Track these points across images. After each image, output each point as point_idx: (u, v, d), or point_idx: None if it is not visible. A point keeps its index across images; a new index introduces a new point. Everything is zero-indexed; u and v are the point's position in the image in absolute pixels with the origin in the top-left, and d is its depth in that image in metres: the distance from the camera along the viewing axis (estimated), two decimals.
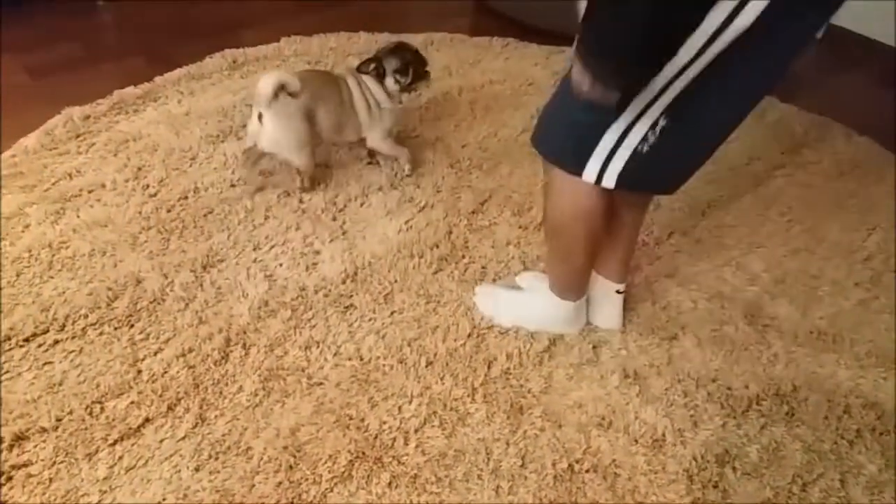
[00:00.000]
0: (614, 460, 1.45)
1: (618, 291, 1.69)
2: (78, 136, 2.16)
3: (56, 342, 1.55)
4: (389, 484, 1.37)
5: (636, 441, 1.49)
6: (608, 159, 1.34)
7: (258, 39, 2.72)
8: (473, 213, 2.03)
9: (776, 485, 1.43)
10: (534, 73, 2.72)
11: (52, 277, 1.70)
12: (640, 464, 1.45)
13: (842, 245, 2.01)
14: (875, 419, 1.56)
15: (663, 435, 1.50)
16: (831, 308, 1.82)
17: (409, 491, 1.36)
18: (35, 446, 1.35)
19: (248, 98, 2.37)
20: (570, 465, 1.44)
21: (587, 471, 1.43)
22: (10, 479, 1.30)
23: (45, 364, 1.50)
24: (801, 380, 1.64)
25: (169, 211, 1.93)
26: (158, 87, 2.42)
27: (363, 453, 1.41)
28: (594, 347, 1.67)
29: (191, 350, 1.57)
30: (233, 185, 2.02)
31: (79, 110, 2.23)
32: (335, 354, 1.60)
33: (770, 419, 1.55)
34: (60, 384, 1.47)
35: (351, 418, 1.47)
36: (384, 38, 2.65)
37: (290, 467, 1.38)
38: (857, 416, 1.57)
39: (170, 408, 1.45)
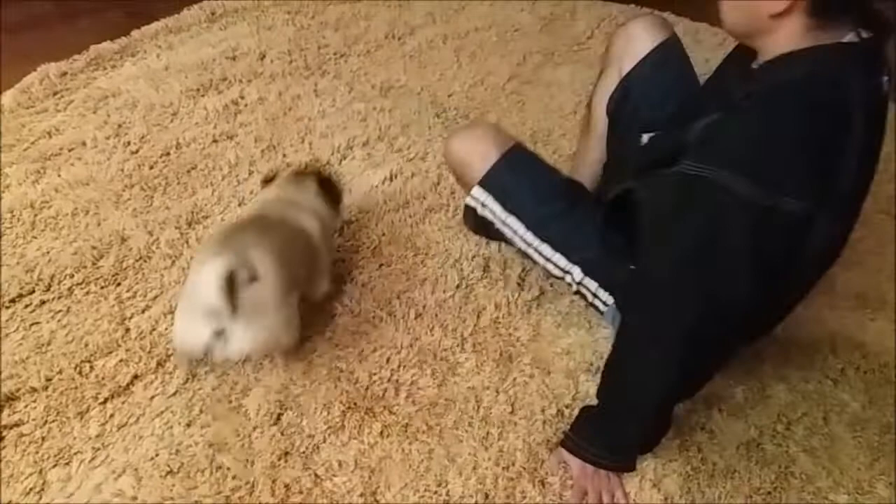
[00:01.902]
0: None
1: None
2: (55, 94, 2.11)
3: (42, 302, 1.55)
4: (381, 433, 1.39)
5: None
6: None
7: None
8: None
9: (761, 424, 1.45)
10: (520, 18, 2.67)
11: (35, 238, 1.68)
12: None
13: None
14: (860, 358, 1.58)
15: None
16: None
17: (400, 440, 1.38)
18: (26, 406, 1.36)
19: (227, 51, 2.33)
20: (559, 411, 1.45)
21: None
22: (2, 438, 1.31)
23: (32, 325, 1.50)
24: (788, 320, 1.64)
25: (151, 168, 1.91)
26: (136, 41, 2.36)
27: (355, 404, 1.43)
28: None
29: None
30: (215, 141, 1.99)
31: (55, 67, 2.18)
32: (323, 308, 1.60)
33: (756, 360, 1.56)
34: (48, 344, 1.47)
35: (341, 371, 1.48)
36: None
37: (283, 420, 1.39)
38: (843, 355, 1.59)
39: (159, 364, 1.45)
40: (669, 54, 1.56)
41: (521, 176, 1.54)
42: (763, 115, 1.11)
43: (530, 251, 1.54)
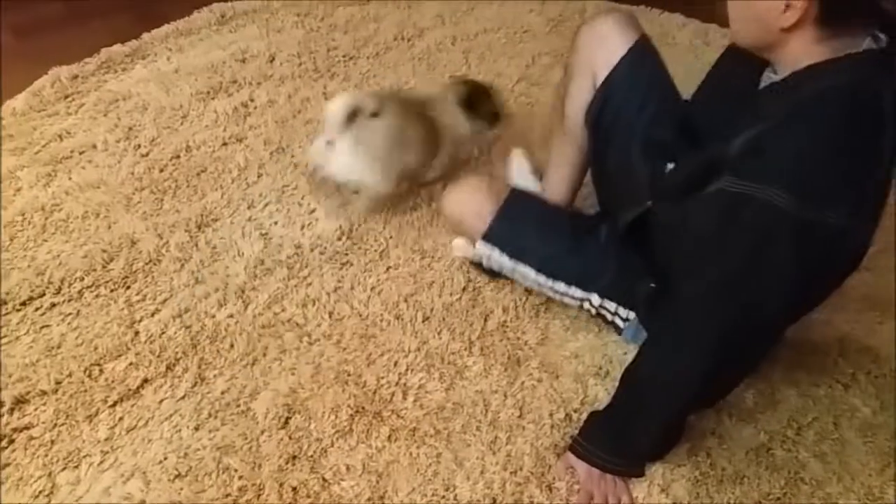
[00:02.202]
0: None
1: None
2: (66, 97, 2.12)
3: (53, 305, 1.55)
4: (389, 437, 1.39)
5: None
6: None
7: None
8: (469, 164, 2.01)
9: (771, 429, 1.45)
10: (529, 20, 2.67)
11: (46, 241, 1.69)
12: None
13: None
14: (870, 363, 1.57)
15: None
16: None
17: (408, 444, 1.38)
18: (35, 409, 1.37)
19: (237, 53, 2.34)
20: (567, 415, 1.45)
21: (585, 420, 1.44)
22: (11, 441, 1.32)
23: (42, 327, 1.51)
24: (798, 325, 1.63)
25: (162, 171, 1.91)
26: (146, 44, 2.37)
27: (363, 408, 1.43)
28: None
29: (187, 310, 1.57)
30: (224, 144, 2.00)
31: (66, 70, 2.19)
32: (332, 312, 1.60)
33: (766, 364, 1.55)
34: (59, 347, 1.48)
35: (349, 374, 1.48)
36: None
37: (291, 423, 1.39)
38: (853, 359, 1.58)
39: (168, 368, 1.46)
40: (644, 55, 1.52)
41: (521, 223, 1.54)
42: (804, 129, 1.09)
43: (545, 290, 1.54)
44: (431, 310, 1.62)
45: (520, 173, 1.91)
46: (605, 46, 1.52)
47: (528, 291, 1.66)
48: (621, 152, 1.52)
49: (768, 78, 1.24)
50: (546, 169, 1.79)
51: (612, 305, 1.51)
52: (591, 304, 1.53)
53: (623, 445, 1.34)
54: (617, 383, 1.48)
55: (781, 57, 1.17)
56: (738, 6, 1.20)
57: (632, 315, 1.51)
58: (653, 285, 1.42)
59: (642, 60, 1.51)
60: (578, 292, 1.52)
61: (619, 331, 1.55)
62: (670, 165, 1.42)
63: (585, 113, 1.56)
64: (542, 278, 1.51)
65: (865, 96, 1.09)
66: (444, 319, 1.61)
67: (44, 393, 1.40)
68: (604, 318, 1.55)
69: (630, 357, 1.53)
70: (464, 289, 1.67)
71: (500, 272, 1.58)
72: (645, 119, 1.47)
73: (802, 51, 1.13)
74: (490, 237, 1.52)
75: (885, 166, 1.11)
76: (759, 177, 1.07)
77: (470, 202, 1.56)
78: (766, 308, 1.12)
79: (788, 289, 1.11)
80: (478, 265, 1.62)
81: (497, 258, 1.52)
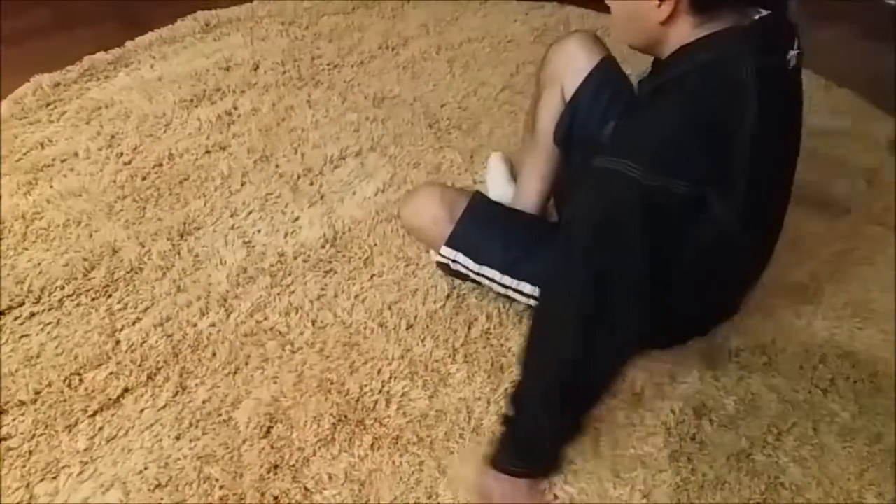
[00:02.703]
0: (594, 415, 1.46)
1: None
2: (48, 105, 2.11)
3: (32, 314, 1.55)
4: (372, 446, 1.39)
5: (615, 396, 1.50)
6: None
7: (231, 0, 2.66)
8: (453, 173, 2.02)
9: (751, 435, 1.45)
10: (513, 29, 2.68)
11: (26, 249, 1.68)
12: (618, 417, 1.47)
13: (821, 197, 2.01)
14: (850, 368, 1.58)
15: (642, 389, 1.52)
16: (810, 260, 1.83)
17: (391, 452, 1.38)
18: (14, 420, 1.36)
19: (221, 61, 2.33)
20: None
21: None
22: None
23: (21, 337, 1.50)
24: (779, 331, 1.65)
25: (144, 179, 1.91)
26: (130, 52, 2.36)
27: (345, 416, 1.42)
28: None
29: (169, 319, 1.56)
30: (208, 152, 2.00)
31: (48, 77, 2.18)
32: (315, 320, 1.60)
33: (747, 371, 1.57)
34: (38, 357, 1.47)
35: (332, 382, 1.48)
36: None
37: (273, 432, 1.39)
38: (832, 365, 1.59)
39: (149, 377, 1.45)
40: (608, 73, 1.56)
41: (485, 226, 1.54)
42: (661, 106, 1.18)
43: (511, 293, 1.54)
44: (415, 317, 1.62)
45: (497, 178, 1.92)
46: (573, 61, 1.57)
47: (512, 298, 1.66)
48: (584, 166, 1.54)
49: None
50: (518, 179, 1.79)
51: None
52: None
53: (516, 443, 1.30)
54: None
55: (668, 50, 1.21)
56: (616, 8, 1.24)
57: None
58: None
59: (605, 79, 1.55)
60: None
61: None
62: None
63: (554, 133, 1.60)
64: (507, 279, 1.51)
65: (724, 71, 1.13)
66: (427, 327, 1.61)
67: (22, 403, 1.39)
68: None
69: None
70: (448, 296, 1.67)
71: (464, 277, 1.58)
72: (606, 135, 1.50)
73: (681, 40, 1.17)
74: (454, 242, 1.52)
75: (750, 140, 1.13)
76: (615, 152, 1.14)
77: (426, 210, 1.56)
78: (622, 273, 1.14)
79: (642, 259, 1.13)
80: (445, 268, 1.61)
81: (462, 262, 1.52)
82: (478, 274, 1.53)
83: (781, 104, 1.23)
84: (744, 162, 1.14)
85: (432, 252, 1.71)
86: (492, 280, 1.53)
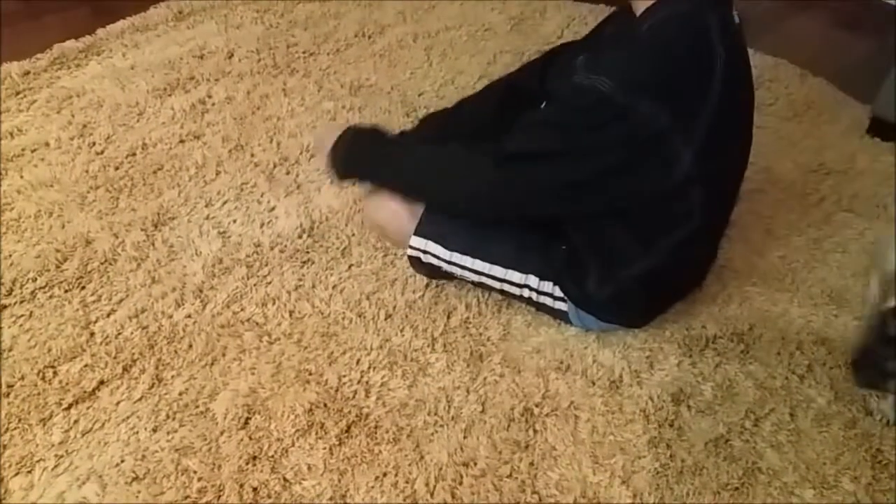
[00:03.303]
0: (572, 402, 1.47)
1: None
2: (18, 94, 2.08)
3: (4, 307, 1.52)
4: (350, 435, 1.38)
5: (594, 383, 1.51)
6: None
7: None
8: None
9: (729, 420, 1.46)
10: (491, 18, 2.67)
11: None
12: (597, 405, 1.47)
13: (795, 185, 2.03)
14: (826, 354, 1.60)
15: (620, 376, 1.52)
16: (785, 248, 1.85)
17: (369, 441, 1.37)
18: None
19: (194, 49, 2.30)
20: (529, 409, 1.45)
21: (546, 414, 1.45)
22: None
23: None
24: (756, 318, 1.67)
25: (117, 168, 1.88)
26: (101, 40, 2.33)
27: (324, 406, 1.42)
28: None
29: (144, 310, 1.54)
30: (182, 141, 1.97)
31: (17, 66, 2.15)
32: (293, 311, 1.59)
33: (724, 357, 1.58)
34: (10, 350, 1.45)
35: (311, 373, 1.47)
36: None
37: (251, 424, 1.38)
38: (809, 351, 1.60)
39: (125, 369, 1.43)
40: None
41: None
42: (635, 43, 1.26)
43: (484, 279, 1.53)
44: (394, 307, 1.62)
45: None
46: None
47: (486, 287, 1.66)
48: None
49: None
50: None
51: (548, 286, 1.51)
52: (530, 289, 1.52)
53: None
54: (578, 377, 1.50)
55: (639, 4, 1.29)
56: None
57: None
58: (563, 247, 1.47)
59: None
60: (516, 275, 1.51)
61: (565, 318, 1.56)
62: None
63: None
64: (478, 264, 1.51)
65: (692, 26, 1.22)
66: (406, 317, 1.60)
67: None
68: (547, 307, 1.55)
69: (590, 351, 1.56)
70: (427, 286, 1.66)
71: (435, 270, 1.57)
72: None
73: None
74: (421, 230, 1.51)
75: (719, 87, 1.22)
76: (594, 70, 1.22)
77: (384, 205, 1.53)
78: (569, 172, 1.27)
79: (600, 167, 1.25)
80: (415, 262, 1.58)
81: (433, 251, 1.51)
82: (449, 262, 1.52)
83: (740, 61, 1.31)
84: (709, 107, 1.22)
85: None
86: (463, 267, 1.52)
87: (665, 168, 1.25)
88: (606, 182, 1.27)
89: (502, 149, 1.32)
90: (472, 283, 1.59)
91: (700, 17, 1.22)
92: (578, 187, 1.29)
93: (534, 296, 1.54)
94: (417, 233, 1.52)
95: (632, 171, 1.25)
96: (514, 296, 1.57)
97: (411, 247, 1.53)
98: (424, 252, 1.52)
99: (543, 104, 1.57)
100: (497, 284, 1.54)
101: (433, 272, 1.61)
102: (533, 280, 1.51)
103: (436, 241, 1.51)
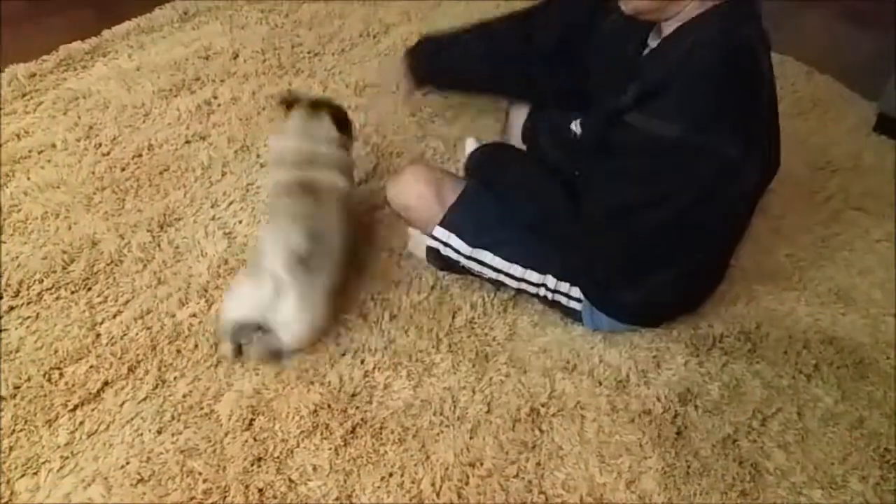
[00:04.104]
0: (579, 402, 1.47)
1: None
2: (24, 95, 2.08)
3: (11, 308, 1.52)
4: (355, 436, 1.38)
5: (600, 383, 1.50)
6: None
7: None
8: (437, 161, 2.00)
9: (736, 420, 1.46)
10: (496, 15, 2.66)
11: (4, 242, 1.66)
12: (603, 405, 1.47)
13: (802, 184, 2.02)
14: (833, 353, 1.59)
15: (627, 376, 1.52)
16: (792, 246, 1.84)
17: (375, 442, 1.37)
18: None
19: (200, 50, 2.30)
20: (535, 409, 1.45)
21: (553, 414, 1.44)
22: None
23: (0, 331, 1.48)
24: (763, 317, 1.66)
25: (123, 170, 1.88)
26: (107, 41, 2.33)
27: (329, 407, 1.41)
28: None
29: (149, 311, 1.54)
30: (188, 142, 1.97)
31: (23, 68, 2.15)
32: None
33: (731, 357, 1.57)
34: (17, 351, 1.45)
35: (315, 374, 1.47)
36: None
37: (255, 425, 1.37)
38: (816, 351, 1.59)
39: (130, 370, 1.44)
40: None
41: (477, 207, 1.56)
42: (687, 74, 1.23)
43: (501, 277, 1.54)
44: (399, 308, 1.61)
45: None
46: None
47: (496, 288, 1.66)
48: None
49: (648, 46, 1.37)
50: None
51: (565, 287, 1.52)
52: (547, 288, 1.53)
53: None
54: (584, 377, 1.50)
55: (667, 16, 1.28)
56: None
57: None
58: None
59: None
60: (535, 276, 1.53)
61: (578, 317, 1.56)
62: (578, 130, 1.53)
63: (522, 130, 1.69)
64: (497, 261, 1.53)
65: (735, 44, 1.23)
66: (411, 317, 1.60)
67: (1, 398, 1.37)
68: (561, 305, 1.56)
69: (597, 351, 1.55)
70: (432, 287, 1.66)
71: (452, 264, 1.58)
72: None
73: (690, 10, 1.25)
74: (447, 224, 1.54)
75: (769, 101, 1.29)
76: (651, 113, 1.23)
77: (411, 188, 1.60)
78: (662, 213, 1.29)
79: (682, 205, 1.28)
80: (433, 253, 1.60)
81: (454, 245, 1.53)
82: (469, 258, 1.53)
83: (772, 69, 1.32)
84: (764, 121, 1.28)
85: (411, 244, 1.70)
86: (482, 263, 1.53)
87: (739, 189, 1.30)
88: (699, 215, 1.31)
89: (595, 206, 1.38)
90: (488, 279, 1.59)
91: (740, 33, 1.23)
92: (671, 228, 1.32)
93: (549, 294, 1.54)
94: (442, 224, 1.54)
95: (716, 198, 1.29)
96: (529, 294, 1.58)
97: (433, 237, 1.55)
98: (445, 245, 1.54)
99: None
100: (514, 283, 1.55)
101: (449, 266, 1.61)
102: (550, 280, 1.52)
103: (459, 236, 1.53)
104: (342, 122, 1.66)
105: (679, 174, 1.26)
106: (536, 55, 1.65)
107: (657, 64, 1.31)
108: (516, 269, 1.53)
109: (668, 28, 1.29)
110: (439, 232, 1.55)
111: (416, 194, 1.58)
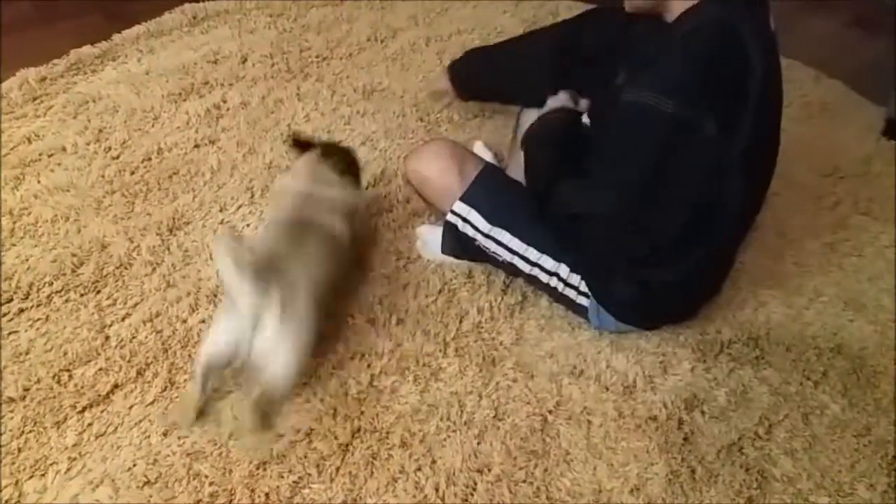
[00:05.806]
0: (586, 407, 1.47)
1: None
2: (35, 99, 2.09)
3: (21, 311, 1.53)
4: (361, 440, 1.38)
5: (607, 388, 1.50)
6: None
7: None
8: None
9: (743, 427, 1.46)
10: (503, 21, 2.67)
11: (14, 245, 1.67)
12: (610, 410, 1.47)
13: (810, 189, 2.02)
14: (841, 360, 1.59)
15: (634, 382, 1.52)
16: (800, 252, 1.84)
17: (381, 446, 1.37)
18: (2, 417, 1.35)
19: (209, 54, 2.31)
20: (542, 414, 1.45)
21: (560, 419, 1.45)
22: None
23: (10, 333, 1.49)
24: (770, 323, 1.66)
25: (133, 173, 1.89)
26: (117, 45, 2.34)
27: (334, 410, 1.42)
28: None
29: (158, 314, 1.55)
30: (196, 146, 1.98)
31: (34, 72, 2.16)
32: None
33: (739, 363, 1.57)
34: (27, 353, 1.46)
35: (320, 377, 1.47)
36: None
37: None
38: (824, 357, 1.59)
39: (139, 373, 1.44)
40: None
41: (499, 187, 1.59)
42: (680, 53, 1.30)
43: (516, 260, 1.55)
44: (406, 312, 1.62)
45: None
46: None
47: (503, 292, 1.66)
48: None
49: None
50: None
51: (576, 279, 1.53)
52: (559, 278, 1.54)
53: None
54: (591, 382, 1.50)
55: (672, 9, 1.34)
56: None
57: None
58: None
59: None
60: (549, 262, 1.53)
61: (584, 314, 1.56)
62: (586, 121, 1.56)
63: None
64: (515, 243, 1.54)
65: (727, 31, 1.28)
66: (418, 321, 1.60)
67: (11, 400, 1.38)
68: (569, 300, 1.56)
69: (604, 356, 1.55)
70: (439, 291, 1.66)
71: (468, 246, 1.59)
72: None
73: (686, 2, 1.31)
74: (469, 199, 1.55)
75: (761, 86, 1.31)
76: (643, 86, 1.29)
77: (435, 161, 1.61)
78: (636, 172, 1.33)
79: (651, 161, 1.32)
80: (451, 232, 1.60)
81: (473, 221, 1.55)
82: (486, 236, 1.54)
83: (774, 66, 1.37)
84: (749, 111, 1.30)
85: (419, 243, 1.70)
86: (499, 243, 1.54)
87: (705, 154, 1.32)
88: (690, 184, 1.35)
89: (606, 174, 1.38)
90: (502, 262, 1.59)
91: (731, 22, 1.28)
92: (660, 192, 1.35)
93: (560, 286, 1.55)
94: (463, 199, 1.55)
95: (678, 155, 1.32)
96: (541, 283, 1.58)
97: (453, 212, 1.56)
98: (465, 221, 1.55)
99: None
100: (527, 268, 1.55)
101: (463, 247, 1.61)
102: (563, 270, 1.53)
103: (479, 212, 1.54)
104: (351, 165, 1.66)
105: (646, 134, 1.31)
106: (582, 66, 1.66)
107: (654, 42, 1.36)
108: (532, 253, 1.53)
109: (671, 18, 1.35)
110: (459, 206, 1.56)
111: (440, 167, 1.59)
